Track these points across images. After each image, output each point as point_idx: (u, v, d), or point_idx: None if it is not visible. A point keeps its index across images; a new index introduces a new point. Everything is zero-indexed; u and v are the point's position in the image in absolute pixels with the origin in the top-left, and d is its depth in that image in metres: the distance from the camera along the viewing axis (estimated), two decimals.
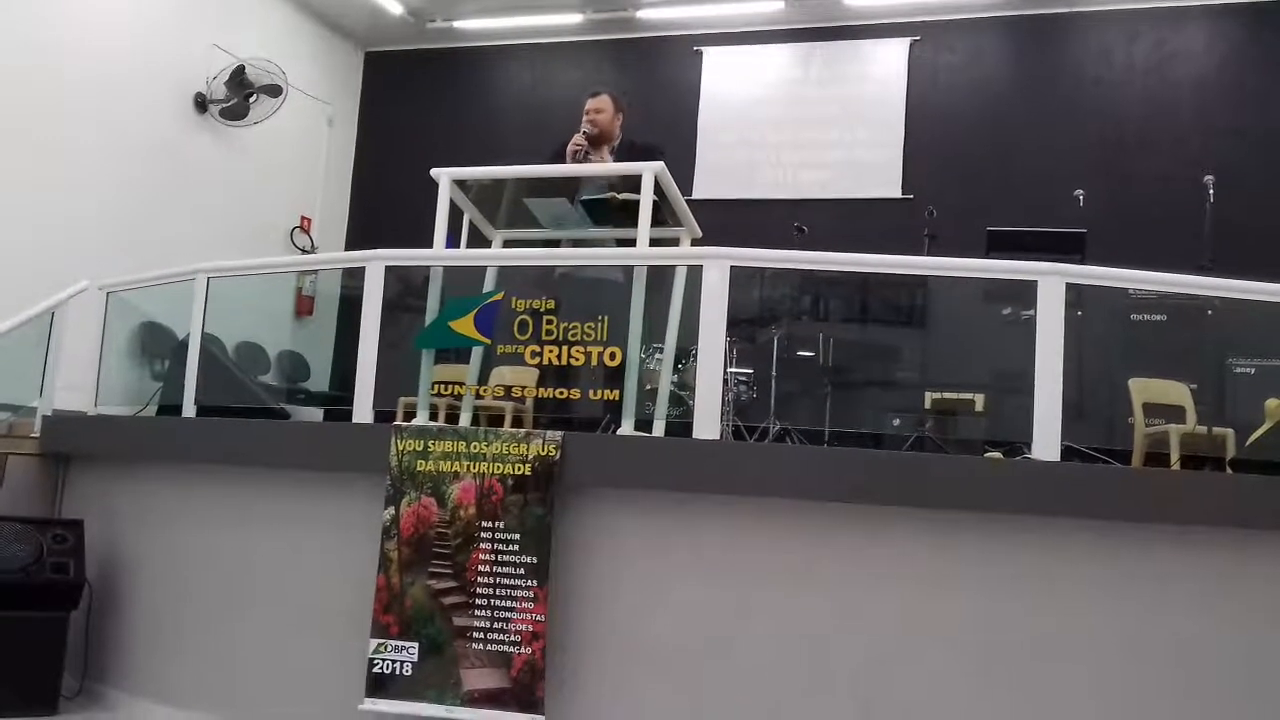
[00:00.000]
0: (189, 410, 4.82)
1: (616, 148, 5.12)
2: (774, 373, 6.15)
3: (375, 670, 3.76)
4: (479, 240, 4.94)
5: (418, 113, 10.31)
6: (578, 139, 4.98)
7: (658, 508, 3.75)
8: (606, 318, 4.00)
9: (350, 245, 10.16)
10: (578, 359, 3.98)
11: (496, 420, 4.60)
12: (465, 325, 4.14)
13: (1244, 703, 3.29)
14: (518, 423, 4.53)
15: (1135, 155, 8.28)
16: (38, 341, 5.43)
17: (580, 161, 4.89)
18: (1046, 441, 3.55)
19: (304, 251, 9.65)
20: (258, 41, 9.06)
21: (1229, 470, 4.32)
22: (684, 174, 8.37)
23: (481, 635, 3.68)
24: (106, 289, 5.58)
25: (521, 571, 3.69)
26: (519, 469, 3.76)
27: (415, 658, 3.73)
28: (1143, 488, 3.55)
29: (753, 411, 5.95)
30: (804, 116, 9.31)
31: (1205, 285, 4.23)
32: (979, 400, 5.79)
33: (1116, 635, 3.36)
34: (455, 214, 4.57)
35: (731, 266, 3.88)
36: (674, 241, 4.61)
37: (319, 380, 8.02)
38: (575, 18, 9.77)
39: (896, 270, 4.64)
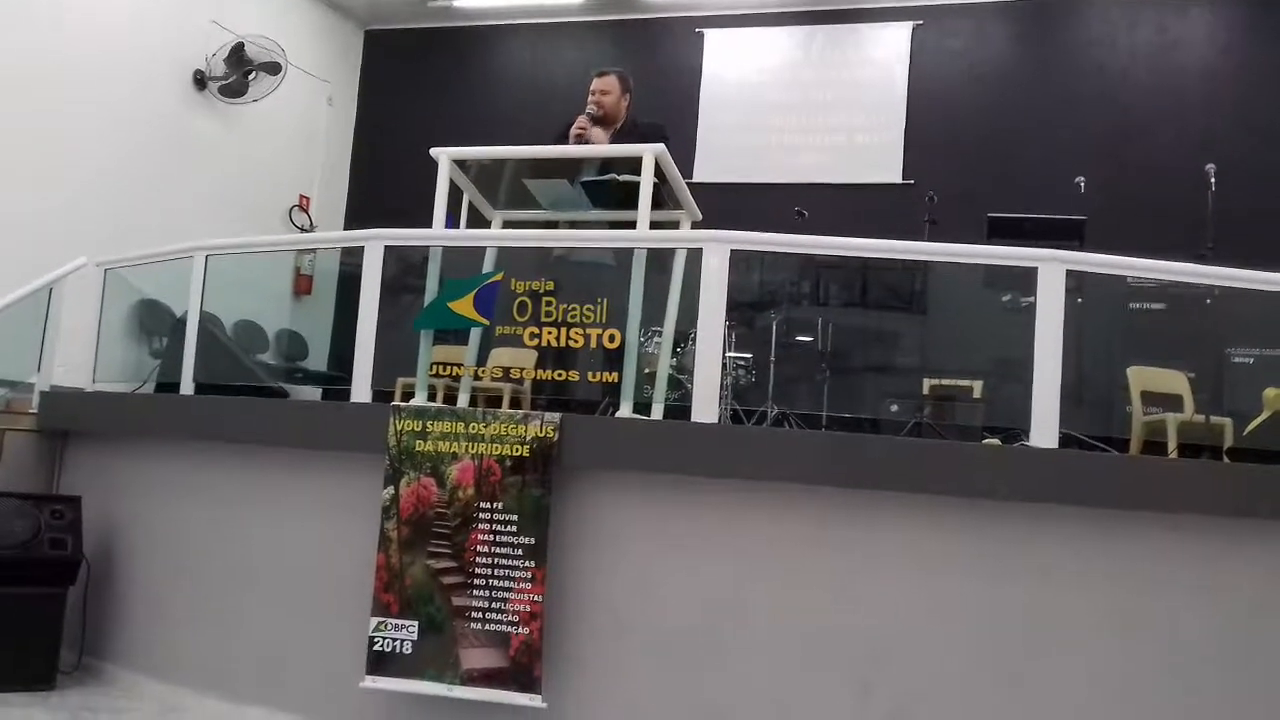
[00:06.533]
0: (187, 388, 4.82)
1: (620, 129, 5.07)
2: (773, 357, 6.15)
3: (375, 648, 3.77)
4: (478, 220, 4.92)
5: (417, 92, 10.27)
6: (581, 121, 4.90)
7: (655, 490, 3.76)
8: (606, 300, 4.00)
9: (349, 224, 10.11)
10: (577, 341, 3.98)
11: (494, 401, 4.60)
12: (464, 306, 4.14)
13: (1237, 689, 3.31)
14: (516, 404, 4.53)
15: (1136, 142, 8.26)
16: (35, 318, 5.42)
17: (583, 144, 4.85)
18: (1045, 428, 3.56)
19: (303, 230, 9.62)
20: (257, 19, 9.00)
21: (1226, 459, 4.33)
22: (684, 157, 8.30)
23: (480, 615, 3.69)
24: (104, 266, 5.57)
25: (520, 552, 3.70)
26: (517, 450, 3.76)
27: (415, 636, 3.75)
28: (1140, 476, 3.56)
29: (751, 395, 5.95)
30: (805, 100, 9.27)
31: (1205, 274, 4.22)
32: (977, 387, 5.79)
33: (1112, 622, 3.38)
34: (455, 194, 4.56)
35: (731, 250, 3.88)
36: (674, 224, 4.61)
37: (317, 359, 8.01)
38: None
39: (896, 255, 4.65)
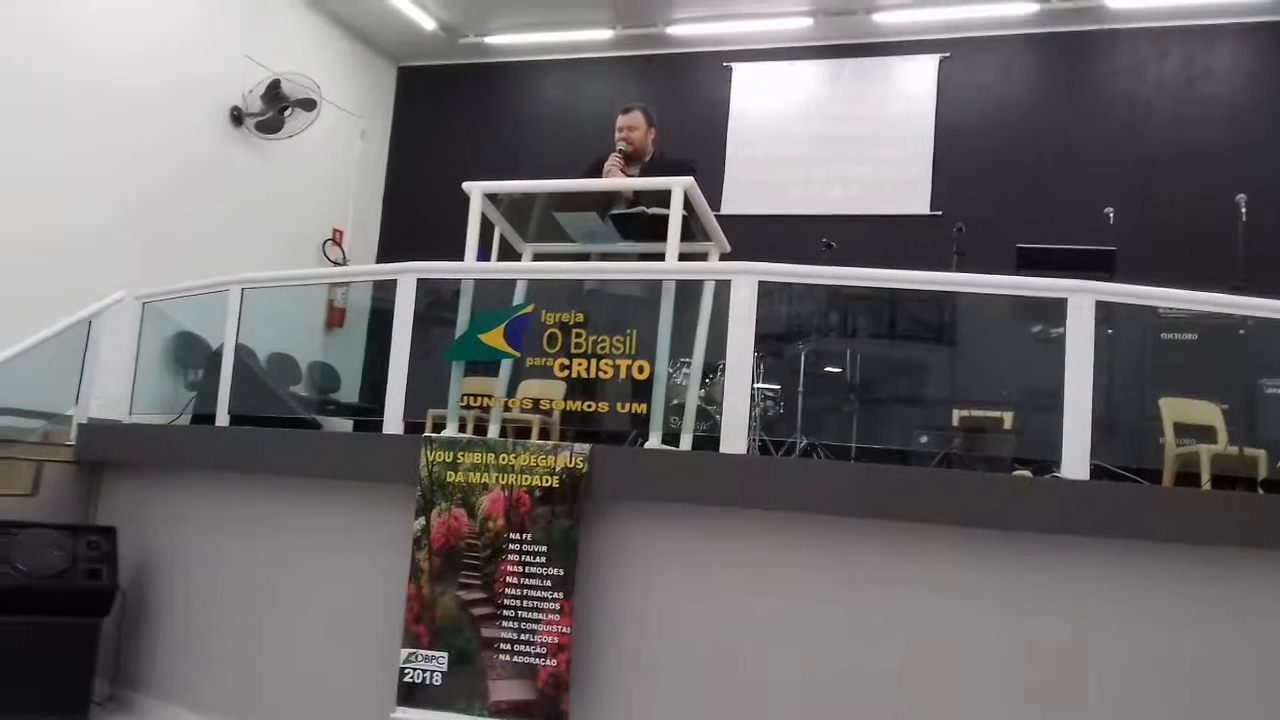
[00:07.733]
0: (222, 419, 4.88)
1: (648, 163, 5.13)
2: (801, 388, 6.15)
3: (406, 680, 3.78)
4: (509, 253, 4.98)
5: (450, 127, 10.40)
6: (615, 160, 4.98)
7: (684, 521, 3.76)
8: (635, 332, 4.02)
9: (381, 258, 10.24)
10: (606, 372, 4.00)
11: (523, 433, 4.63)
12: (495, 338, 4.17)
13: None
14: (545, 435, 4.56)
15: (1166, 173, 8.23)
16: (74, 350, 5.51)
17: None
18: (1076, 460, 3.54)
19: (336, 264, 9.74)
20: (292, 56, 9.17)
21: (1260, 491, 4.28)
22: (713, 189, 8.39)
23: (509, 646, 3.70)
24: (142, 299, 5.66)
25: (548, 583, 3.71)
26: (547, 481, 3.78)
27: (445, 668, 3.76)
28: (1173, 508, 3.52)
29: (779, 427, 5.95)
30: (833, 133, 9.31)
31: (1236, 304, 4.20)
32: (1008, 418, 5.76)
33: (1144, 656, 3.33)
34: (486, 227, 4.61)
35: (760, 281, 3.90)
36: (703, 256, 4.63)
37: (349, 391, 8.08)
38: (606, 33, 9.83)
39: (925, 286, 4.65)
